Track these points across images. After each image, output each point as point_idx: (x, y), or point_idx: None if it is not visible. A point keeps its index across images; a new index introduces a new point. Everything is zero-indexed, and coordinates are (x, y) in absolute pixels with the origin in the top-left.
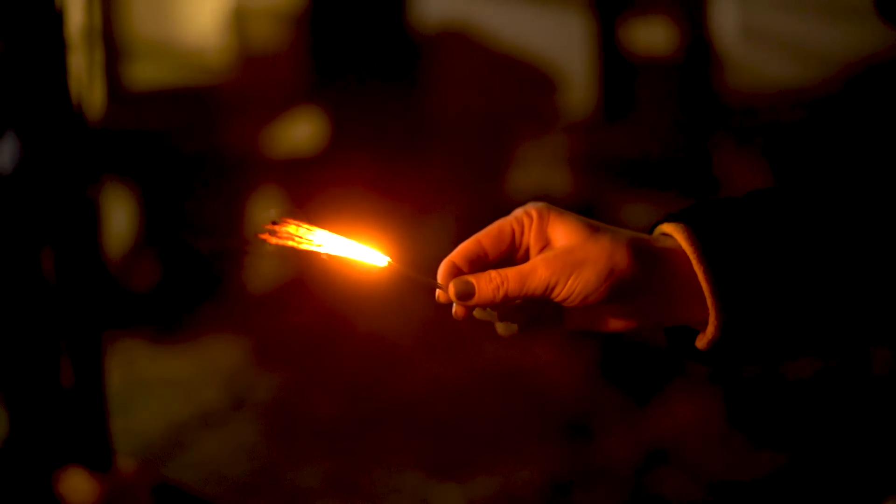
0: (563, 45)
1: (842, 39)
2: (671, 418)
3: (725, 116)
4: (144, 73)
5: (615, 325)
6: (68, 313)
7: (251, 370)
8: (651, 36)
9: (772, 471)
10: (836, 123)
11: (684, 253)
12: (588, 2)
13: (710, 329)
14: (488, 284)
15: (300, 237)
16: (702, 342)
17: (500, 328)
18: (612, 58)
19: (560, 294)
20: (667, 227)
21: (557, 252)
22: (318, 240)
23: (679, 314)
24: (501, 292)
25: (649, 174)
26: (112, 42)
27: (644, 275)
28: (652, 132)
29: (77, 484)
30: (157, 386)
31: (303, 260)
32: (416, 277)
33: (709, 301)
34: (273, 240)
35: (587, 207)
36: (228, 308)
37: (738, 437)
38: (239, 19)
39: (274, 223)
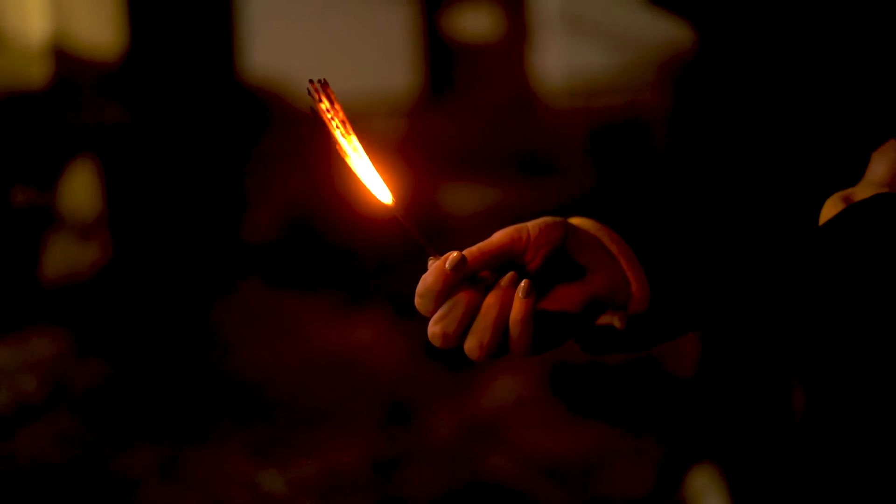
0: (388, 33)
1: (660, 30)
2: (494, 395)
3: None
4: None
5: (593, 283)
6: None
7: (71, 359)
8: (473, 21)
9: (597, 444)
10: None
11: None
12: None
13: (635, 287)
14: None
15: (339, 127)
16: (631, 307)
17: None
18: (435, 43)
19: (526, 231)
20: (573, 220)
21: None
22: (349, 143)
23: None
24: (475, 247)
25: (472, 157)
26: None
27: (578, 225)
28: (473, 115)
29: None
30: None
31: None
32: (413, 230)
33: (626, 266)
34: (321, 106)
35: (411, 191)
36: (45, 295)
37: (562, 411)
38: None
39: (326, 92)
